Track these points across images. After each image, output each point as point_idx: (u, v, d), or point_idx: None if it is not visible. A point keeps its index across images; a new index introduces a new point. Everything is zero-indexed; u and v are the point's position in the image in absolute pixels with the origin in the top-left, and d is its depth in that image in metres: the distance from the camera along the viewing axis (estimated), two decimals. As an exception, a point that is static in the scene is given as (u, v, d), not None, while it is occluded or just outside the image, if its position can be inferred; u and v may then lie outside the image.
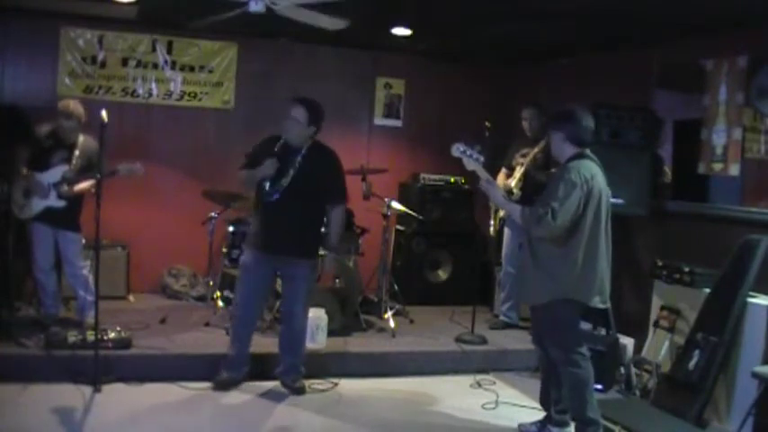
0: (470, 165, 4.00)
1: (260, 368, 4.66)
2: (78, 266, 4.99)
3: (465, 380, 5.05)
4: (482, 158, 3.99)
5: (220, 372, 4.51)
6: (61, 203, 4.85)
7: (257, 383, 4.61)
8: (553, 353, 3.90)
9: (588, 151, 3.84)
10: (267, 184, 4.38)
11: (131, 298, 6.18)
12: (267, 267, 4.53)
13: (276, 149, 4.35)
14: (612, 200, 3.94)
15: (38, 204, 4.85)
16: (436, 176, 6.93)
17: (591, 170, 3.75)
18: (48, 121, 4.93)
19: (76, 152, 4.88)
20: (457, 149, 4.00)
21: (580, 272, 3.71)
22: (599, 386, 4.47)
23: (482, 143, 4.23)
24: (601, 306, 3.84)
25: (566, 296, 3.74)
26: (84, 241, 5.09)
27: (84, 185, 4.85)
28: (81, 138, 4.92)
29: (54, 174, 4.83)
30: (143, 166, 4.84)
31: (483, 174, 3.98)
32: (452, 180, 6.95)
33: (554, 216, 3.61)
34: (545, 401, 4.10)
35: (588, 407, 3.76)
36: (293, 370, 4.58)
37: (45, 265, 4.98)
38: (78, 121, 4.84)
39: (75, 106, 4.85)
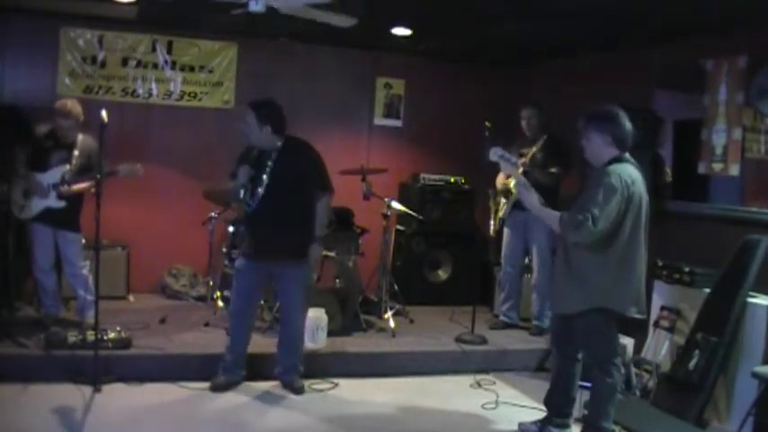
0: (507, 169, 3.93)
1: (259, 368, 4.66)
2: (78, 266, 5.00)
3: (465, 380, 5.05)
4: (519, 163, 3.93)
5: (218, 374, 4.51)
6: (61, 204, 4.85)
7: (257, 383, 4.61)
8: (588, 361, 3.84)
9: (627, 155, 3.67)
10: (245, 194, 4.37)
11: (131, 298, 6.17)
12: (260, 271, 4.53)
13: (254, 156, 4.39)
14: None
15: (38, 205, 4.85)
16: (436, 176, 6.92)
17: (631, 175, 3.58)
18: (47, 121, 4.93)
19: (76, 152, 4.88)
20: (495, 153, 3.87)
21: (617, 280, 3.57)
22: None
23: (482, 143, 4.22)
24: (638, 317, 3.68)
25: (601, 305, 3.60)
26: (84, 241, 5.09)
27: (82, 185, 4.84)
28: (80, 137, 4.92)
29: (54, 174, 4.84)
30: (143, 167, 4.84)
31: (520, 178, 3.91)
32: (452, 180, 6.94)
33: (594, 222, 3.43)
34: (549, 402, 4.09)
35: (605, 416, 3.73)
36: (292, 370, 4.59)
37: (45, 265, 4.99)
38: (76, 120, 4.85)
39: (73, 105, 4.85)
